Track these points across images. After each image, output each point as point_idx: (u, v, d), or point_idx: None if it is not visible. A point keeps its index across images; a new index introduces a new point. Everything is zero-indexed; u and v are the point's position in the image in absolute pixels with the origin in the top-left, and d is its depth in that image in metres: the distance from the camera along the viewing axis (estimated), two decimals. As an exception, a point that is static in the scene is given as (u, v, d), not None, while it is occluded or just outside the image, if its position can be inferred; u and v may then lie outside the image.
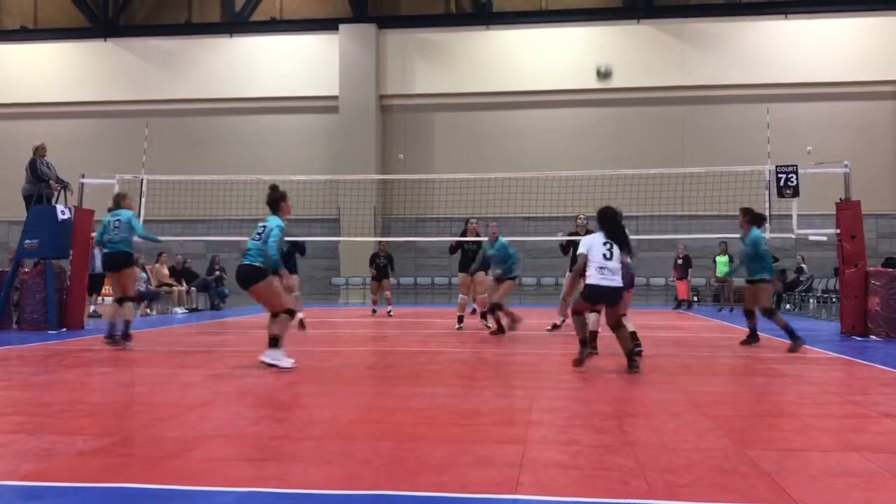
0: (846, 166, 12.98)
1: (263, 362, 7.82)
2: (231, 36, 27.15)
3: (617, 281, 7.72)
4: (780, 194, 12.88)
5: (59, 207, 13.27)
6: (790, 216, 13.32)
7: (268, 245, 7.94)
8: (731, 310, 19.44)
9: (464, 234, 14.27)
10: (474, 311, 14.80)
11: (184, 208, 20.96)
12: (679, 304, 21.59)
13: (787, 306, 20.78)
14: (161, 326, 14.48)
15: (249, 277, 7.99)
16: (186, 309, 19.14)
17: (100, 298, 18.21)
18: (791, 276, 21.43)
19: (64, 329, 12.80)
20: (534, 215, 22.26)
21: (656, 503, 3.43)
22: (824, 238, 13.84)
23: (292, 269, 13.51)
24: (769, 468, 4.02)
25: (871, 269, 12.61)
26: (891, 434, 4.97)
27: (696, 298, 22.96)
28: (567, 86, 25.30)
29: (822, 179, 13.82)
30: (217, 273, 20.86)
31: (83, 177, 14.32)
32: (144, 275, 18.62)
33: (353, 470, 4.06)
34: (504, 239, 12.49)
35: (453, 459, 4.23)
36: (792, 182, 12.70)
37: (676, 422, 5.32)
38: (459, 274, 13.88)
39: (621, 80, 25.11)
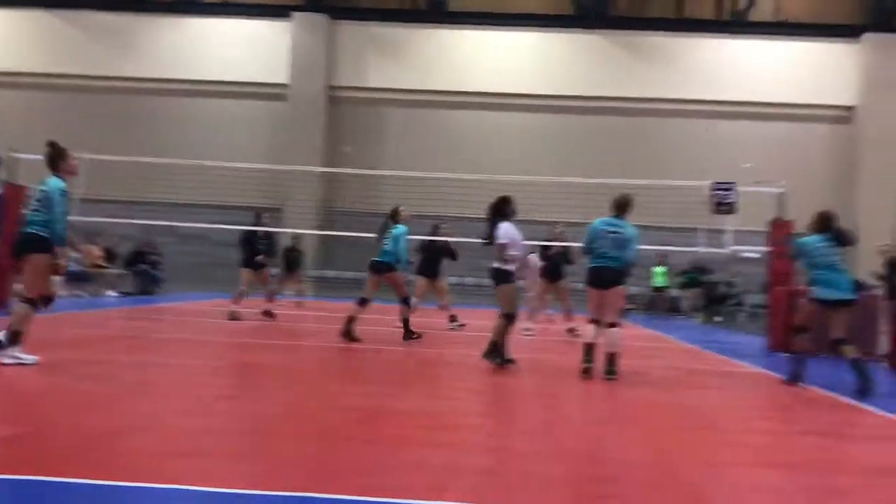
0: (782, 187, 13.35)
1: (3, 363, 6.62)
2: (180, 16, 26.58)
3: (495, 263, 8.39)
4: (717, 210, 13.18)
5: (-11, 182, 12.81)
6: (724, 231, 13.64)
7: (55, 217, 6.70)
8: (664, 320, 19.80)
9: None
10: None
11: (120, 189, 20.52)
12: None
13: (717, 318, 21.28)
14: (90, 309, 14.12)
15: (29, 246, 6.74)
16: (118, 292, 18.70)
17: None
18: (722, 289, 21.97)
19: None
20: (479, 217, 22.33)
21: (579, 514, 3.49)
22: (756, 255, 14.21)
23: (435, 273, 13.35)
24: (690, 482, 4.12)
25: (799, 287, 12.97)
26: (807, 451, 5.14)
27: (632, 307, 23.34)
28: (518, 90, 25.44)
29: (757, 197, 14.17)
30: (153, 257, 20.42)
31: (15, 151, 13.85)
32: (76, 255, 18.13)
33: (278, 469, 4.02)
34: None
35: (382, 462, 4.23)
36: (728, 199, 13.01)
37: (604, 431, 5.42)
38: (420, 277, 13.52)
39: (571, 87, 25.45)
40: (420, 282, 13.53)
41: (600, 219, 8.29)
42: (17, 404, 5.33)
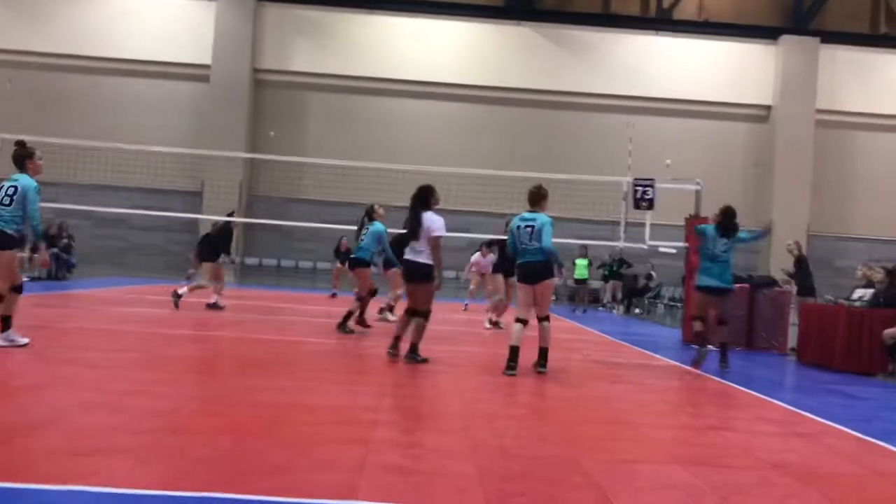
0: (699, 184, 13.69)
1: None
2: (98, -10, 25.62)
3: (421, 257, 8.18)
4: (637, 206, 13.45)
5: None
6: (644, 225, 13.92)
7: (29, 213, 7.13)
8: (584, 311, 20.14)
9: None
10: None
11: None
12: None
13: (637, 310, 21.77)
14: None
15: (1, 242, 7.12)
16: (27, 276, 17.97)
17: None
18: (641, 282, 22.46)
19: None
20: (401, 205, 22.28)
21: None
22: (674, 251, 14.57)
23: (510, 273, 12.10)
24: (600, 479, 4.18)
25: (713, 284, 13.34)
26: (714, 447, 5.27)
27: (554, 298, 23.66)
28: (445, 79, 25.44)
29: (676, 193, 14.52)
30: (65, 241, 19.70)
31: (-83, 128, 13.15)
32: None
33: (186, 468, 3.92)
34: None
35: (293, 461, 4.16)
36: (648, 195, 13.28)
37: (519, 426, 5.45)
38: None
39: (498, 79, 25.57)
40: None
41: (517, 216, 8.32)
42: None
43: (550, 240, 8.06)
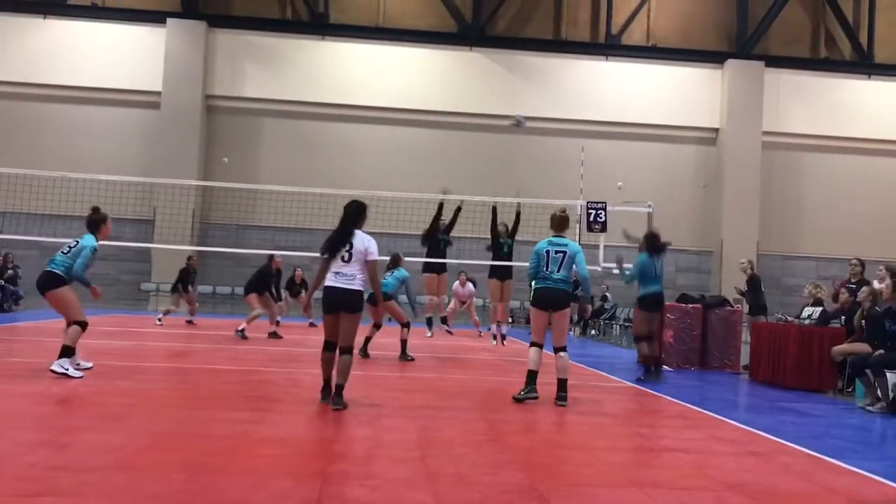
0: (649, 206, 13.90)
1: (53, 371, 7.98)
2: (45, 17, 25.23)
3: (354, 284, 7.01)
4: (590, 229, 13.62)
5: None
6: (598, 247, 14.07)
7: (75, 264, 8.28)
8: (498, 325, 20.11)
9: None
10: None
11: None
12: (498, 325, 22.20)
13: (593, 332, 21.93)
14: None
15: (47, 283, 8.28)
16: (-27, 310, 17.49)
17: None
18: (597, 303, 22.64)
19: None
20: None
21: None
22: (627, 272, 14.71)
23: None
24: (558, 505, 4.17)
25: (667, 303, 13.52)
26: (670, 469, 5.31)
27: (510, 321, 23.71)
28: (397, 104, 25.50)
29: (629, 215, 14.72)
30: (10, 272, 19.22)
31: None
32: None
33: (136, 508, 3.82)
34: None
35: (249, 495, 4.08)
36: (601, 218, 13.46)
37: (477, 453, 5.43)
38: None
39: (451, 104, 25.73)
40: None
41: (544, 240, 8.11)
42: None
43: (585, 267, 8.11)
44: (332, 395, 6.90)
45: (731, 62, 26.26)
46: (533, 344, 8.04)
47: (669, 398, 8.95)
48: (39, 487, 4.05)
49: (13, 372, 8.40)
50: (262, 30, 25.70)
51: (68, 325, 8.27)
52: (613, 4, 26.48)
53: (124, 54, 25.10)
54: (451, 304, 18.08)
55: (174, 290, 17.36)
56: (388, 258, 11.33)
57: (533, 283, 8.17)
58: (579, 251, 8.06)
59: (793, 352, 10.51)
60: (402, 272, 12.23)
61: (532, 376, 7.88)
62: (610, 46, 26.54)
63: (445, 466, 4.93)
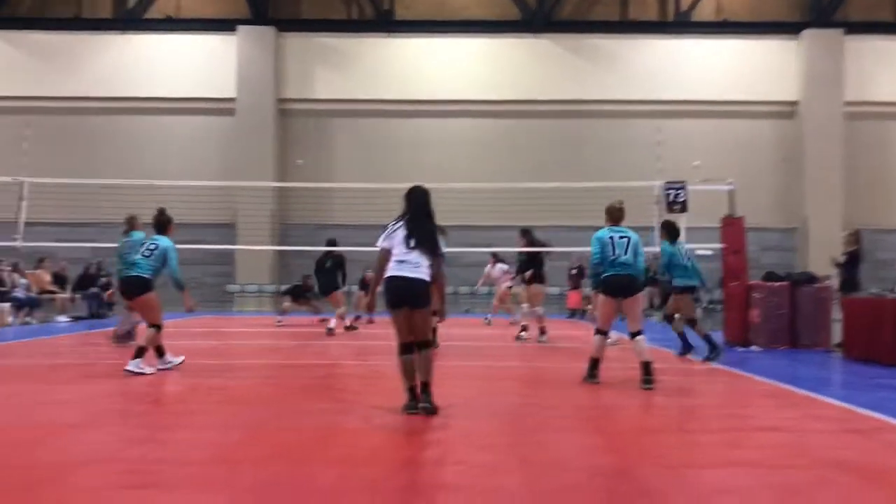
0: (731, 184, 13.53)
1: (129, 371, 8.25)
2: (123, 33, 26.10)
3: (420, 272, 6.13)
4: (670, 209, 13.30)
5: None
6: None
7: (173, 268, 8.60)
8: (623, 319, 19.92)
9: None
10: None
11: (69, 211, 20.03)
12: (572, 313, 22.03)
13: (676, 316, 21.50)
14: (41, 336, 13.75)
15: (139, 288, 8.54)
16: (69, 317, 18.26)
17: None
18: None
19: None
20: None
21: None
22: (710, 252, 14.39)
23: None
24: (653, 487, 4.10)
25: (753, 282, 13.18)
26: (766, 448, 5.16)
27: (589, 307, 23.46)
28: (466, 96, 25.48)
29: (708, 195, 14.35)
30: (103, 280, 19.98)
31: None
32: (24, 281, 17.69)
33: (236, 498, 3.92)
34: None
35: (341, 483, 4.14)
36: (680, 198, 13.15)
37: (565, 438, 5.38)
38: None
39: (520, 92, 25.57)
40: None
41: (603, 229, 8.12)
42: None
43: (643, 261, 8.11)
44: (420, 395, 6.14)
45: (807, 32, 25.32)
46: (598, 331, 8.03)
47: (760, 378, 8.70)
48: (144, 480, 4.20)
49: (110, 373, 8.73)
50: (330, 31, 26.02)
51: (147, 326, 8.68)
52: (682, -20, 25.90)
53: (199, 63, 25.77)
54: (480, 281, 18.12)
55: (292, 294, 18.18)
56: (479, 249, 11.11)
57: (598, 273, 8.04)
58: (639, 240, 8.10)
59: (890, 328, 10.09)
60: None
61: (595, 364, 7.93)
62: (679, 24, 25.95)
63: (534, 452, 4.90)
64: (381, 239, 6.31)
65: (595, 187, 16.01)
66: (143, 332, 8.82)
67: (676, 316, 11.13)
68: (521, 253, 13.52)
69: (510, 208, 18.49)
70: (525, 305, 13.53)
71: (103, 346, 12.48)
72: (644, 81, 25.45)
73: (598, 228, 8.30)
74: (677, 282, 10.97)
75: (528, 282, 13.29)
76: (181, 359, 9.01)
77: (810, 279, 13.13)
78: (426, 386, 6.17)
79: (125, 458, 4.68)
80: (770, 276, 13.41)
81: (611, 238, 7.94)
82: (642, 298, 8.15)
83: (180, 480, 4.23)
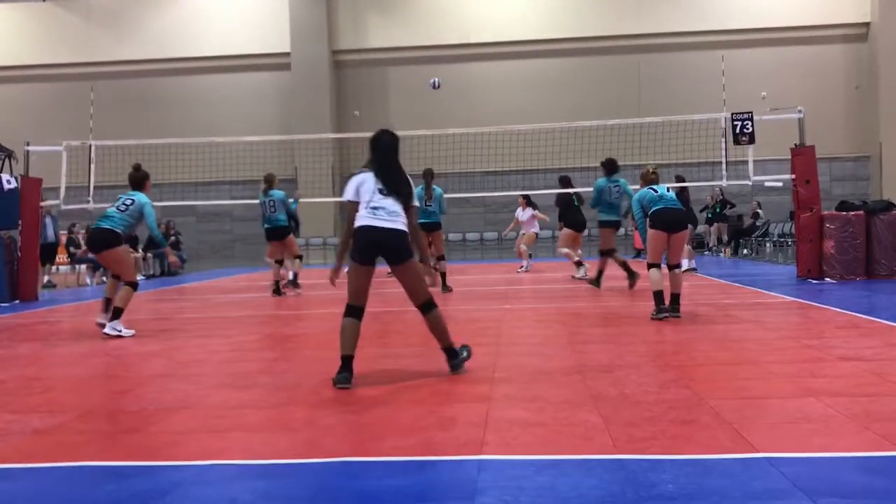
0: (800, 112, 13.07)
1: (107, 334, 7.86)
2: (176, -7, 26.35)
3: (398, 223, 5.38)
4: (737, 141, 12.95)
5: (5, 177, 12.87)
6: (746, 162, 13.40)
7: (150, 225, 8.27)
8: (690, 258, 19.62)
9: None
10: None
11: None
12: (638, 252, 21.79)
13: (745, 251, 21.12)
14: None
15: (104, 240, 8.01)
16: (143, 275, 18.83)
17: (54, 268, 17.82)
18: (747, 221, 21.74)
19: (17, 301, 12.53)
20: (493, 170, 22.22)
21: (621, 458, 3.45)
22: (780, 184, 14.00)
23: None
24: (730, 417, 4.07)
25: (826, 213, 12.81)
26: (846, 377, 5.06)
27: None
28: (523, 37, 25.08)
29: (776, 125, 13.92)
30: (173, 238, 20.50)
31: (28, 144, 13.89)
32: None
33: (315, 437, 4.02)
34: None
35: (418, 422, 4.21)
36: (747, 129, 12.77)
37: (639, 374, 5.36)
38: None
39: (577, 29, 25.03)
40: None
41: (643, 189, 8.58)
42: (56, 392, 5.37)
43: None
44: (448, 360, 5.50)
45: (880, -53, 24.09)
46: (651, 265, 8.24)
47: (836, 309, 8.51)
48: (230, 423, 4.34)
49: (187, 326, 9.01)
50: (381, -22, 25.81)
51: (124, 283, 8.11)
52: None
53: (252, 20, 25.90)
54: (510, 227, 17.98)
55: None
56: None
57: (643, 213, 8.50)
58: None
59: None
60: (439, 191, 12.11)
61: (659, 296, 8.10)
62: (742, -51, 24.96)
63: (608, 388, 4.90)
64: (347, 191, 5.45)
65: (659, 122, 15.70)
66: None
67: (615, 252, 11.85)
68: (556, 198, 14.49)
69: (574, 149, 18.22)
70: (564, 249, 14.05)
71: (177, 300, 12.86)
72: (705, 10, 24.67)
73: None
74: (601, 216, 11.74)
75: (560, 227, 14.20)
76: (132, 332, 7.97)
77: (887, 206, 12.68)
78: (451, 350, 5.50)
79: (209, 404, 4.84)
80: (844, 206, 13.00)
81: (651, 189, 8.44)
82: (687, 233, 8.66)
83: (263, 423, 4.36)
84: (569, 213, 13.93)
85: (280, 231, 12.56)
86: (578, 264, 13.67)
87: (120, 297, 7.99)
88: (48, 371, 6.43)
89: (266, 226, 12.59)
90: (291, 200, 13.33)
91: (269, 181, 12.65)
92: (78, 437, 4.12)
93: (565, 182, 14.15)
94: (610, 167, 11.80)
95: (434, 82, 14.46)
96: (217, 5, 26.16)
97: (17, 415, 4.63)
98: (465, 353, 5.61)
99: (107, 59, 26.09)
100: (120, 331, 7.86)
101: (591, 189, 12.41)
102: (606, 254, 11.75)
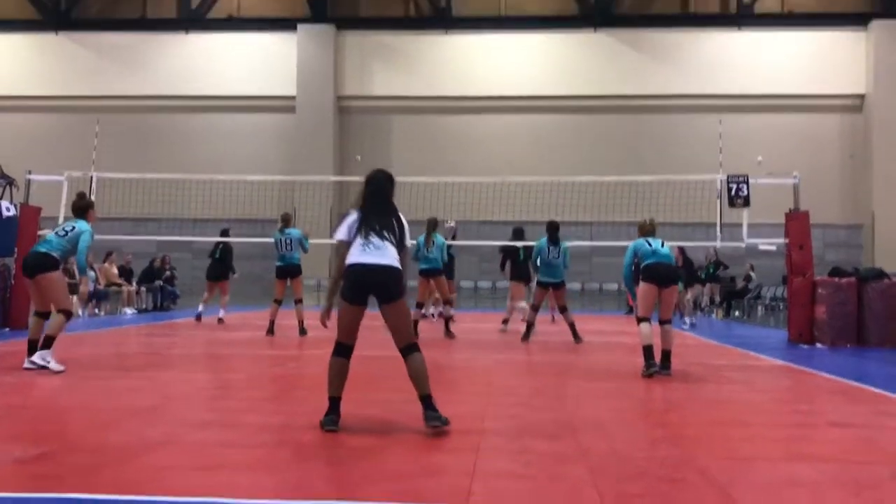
0: (795, 177, 13.23)
1: (33, 362, 7.39)
2: (187, 33, 26.74)
3: (389, 258, 5.23)
4: (732, 204, 13.07)
5: (4, 204, 12.90)
6: (740, 225, 13.51)
7: (79, 250, 7.80)
8: (682, 316, 19.66)
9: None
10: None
11: (135, 206, 20.56)
12: (631, 309, 21.79)
13: (736, 313, 21.15)
14: (109, 327, 14.16)
15: (41, 264, 7.58)
16: (136, 309, 18.76)
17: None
18: (740, 283, 21.82)
19: (7, 329, 12.45)
20: (489, 220, 22.35)
21: (608, 514, 3.43)
22: (773, 248, 14.08)
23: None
24: (718, 478, 4.05)
25: (818, 278, 12.87)
26: (836, 443, 5.05)
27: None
28: (524, 92, 25.43)
29: (771, 190, 14.06)
30: (168, 273, 20.47)
31: (30, 173, 13.95)
32: (93, 273, 18.22)
33: (302, 479, 3.99)
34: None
35: (405, 468, 4.19)
36: (743, 192, 12.91)
37: (629, 430, 5.35)
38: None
39: (578, 87, 25.41)
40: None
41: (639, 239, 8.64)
42: (40, 422, 5.33)
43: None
44: (424, 410, 5.07)
45: (876, 23, 24.64)
46: (642, 320, 8.20)
47: (827, 374, 8.50)
48: (215, 461, 4.30)
49: (176, 362, 8.96)
50: (388, 29, 26.27)
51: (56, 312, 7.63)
52: (744, -28, 25.44)
53: (260, 62, 26.25)
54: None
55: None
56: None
57: (632, 269, 8.67)
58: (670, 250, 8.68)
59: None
60: (441, 239, 12.41)
61: (649, 350, 8.02)
62: (742, 16, 25.53)
63: (598, 442, 4.88)
64: (339, 231, 5.39)
65: (655, 181, 15.86)
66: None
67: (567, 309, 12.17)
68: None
69: (569, 204, 18.36)
70: (521, 304, 14.13)
71: (167, 335, 12.80)
72: (705, 75, 25.09)
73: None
74: (540, 277, 12.05)
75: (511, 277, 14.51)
76: (61, 368, 7.42)
77: (879, 275, 12.76)
78: (428, 399, 5.09)
79: (195, 441, 4.80)
80: (836, 272, 13.08)
81: (645, 240, 8.48)
82: (678, 290, 8.64)
83: (249, 462, 4.32)
84: (513, 266, 14.49)
85: (293, 269, 12.70)
86: (505, 321, 14.10)
87: (52, 324, 7.49)
88: (33, 400, 6.37)
89: (278, 263, 12.66)
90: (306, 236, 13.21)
91: (286, 220, 12.83)
92: (60, 468, 4.08)
93: (518, 234, 14.52)
94: (551, 230, 11.97)
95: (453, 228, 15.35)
96: (227, 47, 26.53)
97: None
98: (442, 419, 5.04)
99: (115, 93, 26.35)
100: (48, 362, 7.33)
101: (582, 243, 12.54)
102: (534, 308, 12.07)
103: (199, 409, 5.94)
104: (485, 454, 4.52)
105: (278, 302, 12.72)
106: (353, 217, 5.39)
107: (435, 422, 5.01)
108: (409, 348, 5.24)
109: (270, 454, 4.52)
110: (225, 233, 16.39)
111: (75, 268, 9.22)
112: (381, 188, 5.52)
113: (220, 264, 15.81)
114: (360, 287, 5.14)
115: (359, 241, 5.21)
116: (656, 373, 7.93)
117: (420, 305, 12.61)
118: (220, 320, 15.03)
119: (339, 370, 5.23)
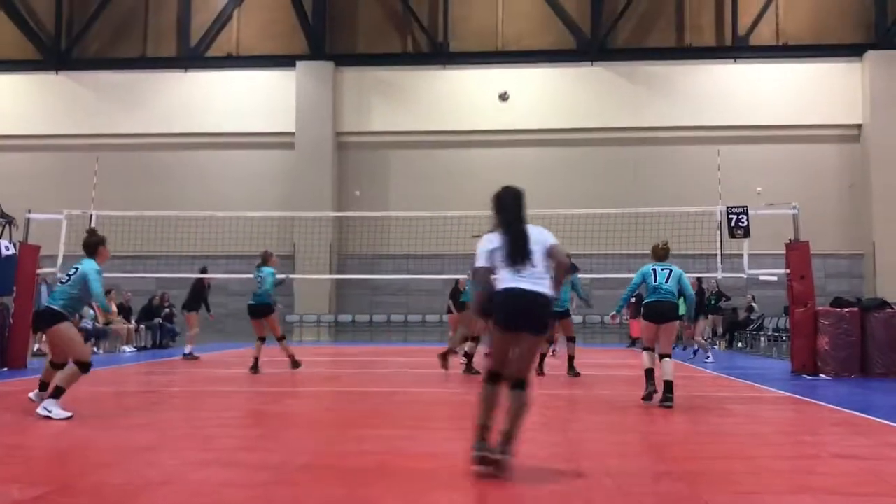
0: (795, 208, 13.24)
1: (39, 414, 7.01)
2: (186, 71, 26.93)
3: (543, 285, 5.04)
4: (732, 234, 13.07)
5: (3, 243, 12.90)
6: (741, 256, 13.51)
7: (92, 288, 7.37)
8: (685, 348, 19.57)
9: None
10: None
11: (134, 244, 20.57)
12: (633, 342, 21.71)
13: (739, 344, 21.06)
14: (108, 365, 14.08)
15: (45, 320, 7.41)
16: (134, 347, 18.68)
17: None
18: (742, 314, 21.74)
19: (5, 369, 12.38)
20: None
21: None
22: (774, 278, 14.06)
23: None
24: (724, 513, 3.99)
25: (820, 308, 12.83)
26: (841, 475, 4.99)
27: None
28: (523, 126, 25.55)
29: (771, 220, 14.09)
30: (167, 310, 20.41)
31: (29, 212, 13.98)
32: (91, 312, 18.16)
33: (302, 519, 3.93)
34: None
35: (405, 506, 4.13)
36: (743, 223, 12.92)
37: (632, 464, 5.28)
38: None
39: (575, 120, 25.54)
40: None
41: (648, 265, 8.81)
42: (38, 462, 5.26)
43: (691, 289, 8.88)
44: (501, 444, 4.86)
45: (871, 54, 24.83)
46: (646, 349, 8.64)
47: (831, 406, 8.43)
48: (212, 501, 4.24)
49: (176, 400, 8.89)
50: (386, 65, 26.45)
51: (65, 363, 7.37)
52: (739, 5, 25.68)
53: (259, 99, 26.40)
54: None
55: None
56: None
57: (631, 296, 9.06)
58: (683, 273, 8.70)
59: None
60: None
61: (650, 374, 8.44)
62: (738, 49, 25.71)
63: (602, 477, 4.82)
64: (479, 256, 5.14)
65: (655, 213, 15.87)
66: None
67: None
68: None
69: (569, 236, 18.34)
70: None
71: (166, 373, 12.73)
72: (702, 107, 25.21)
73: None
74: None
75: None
76: (68, 415, 7.02)
77: (882, 304, 12.72)
78: (510, 436, 4.87)
79: (192, 480, 4.74)
80: (838, 302, 13.03)
81: (653, 269, 8.63)
82: (676, 326, 8.75)
83: (246, 501, 4.26)
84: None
85: (261, 309, 12.34)
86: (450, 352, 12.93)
87: (64, 375, 7.15)
88: (31, 441, 6.31)
89: (250, 301, 12.52)
90: (281, 278, 13.09)
91: (264, 258, 12.71)
92: (57, 510, 4.02)
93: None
94: None
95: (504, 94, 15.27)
96: (226, 84, 26.71)
97: (-4, 484, 4.53)
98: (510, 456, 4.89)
99: (114, 131, 26.45)
100: (50, 411, 6.95)
101: (582, 276, 12.51)
102: (475, 340, 11.94)
103: (197, 449, 5.88)
104: (486, 490, 4.46)
105: (261, 339, 12.44)
106: (492, 243, 5.18)
107: (502, 456, 4.82)
108: (520, 383, 4.94)
109: (268, 492, 4.46)
110: (203, 270, 16.83)
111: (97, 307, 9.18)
112: (516, 207, 5.58)
113: (190, 296, 16.08)
114: (519, 316, 4.87)
115: (508, 266, 5.00)
116: (654, 393, 8.26)
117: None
118: (185, 355, 15.22)
119: (486, 397, 4.95)
